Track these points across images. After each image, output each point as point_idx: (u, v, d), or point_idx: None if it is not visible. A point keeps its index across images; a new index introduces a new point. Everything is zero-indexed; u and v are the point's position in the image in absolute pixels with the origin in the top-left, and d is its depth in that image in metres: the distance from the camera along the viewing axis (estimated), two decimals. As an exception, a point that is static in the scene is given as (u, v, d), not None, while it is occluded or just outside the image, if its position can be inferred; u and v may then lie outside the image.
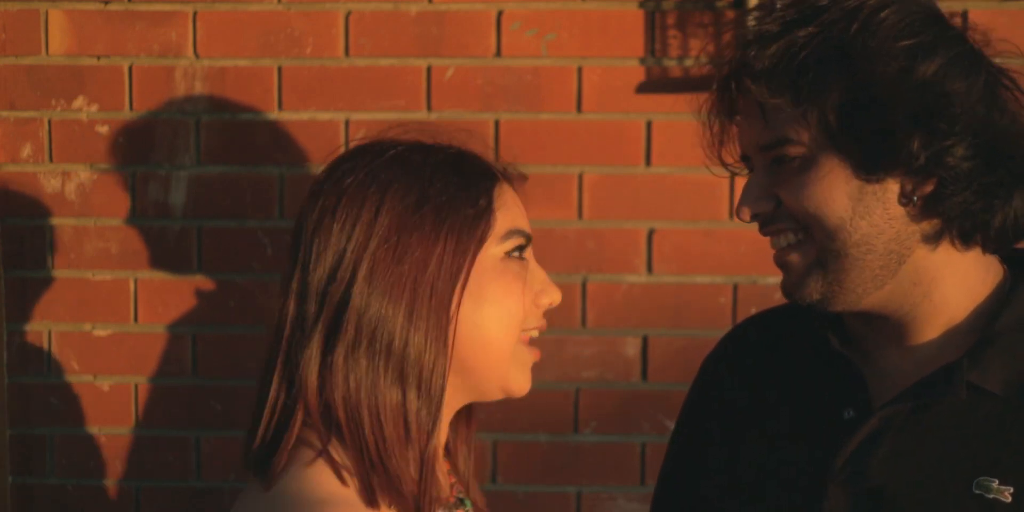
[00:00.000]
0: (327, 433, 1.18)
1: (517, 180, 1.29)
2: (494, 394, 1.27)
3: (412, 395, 1.18)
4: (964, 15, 2.23)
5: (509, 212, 1.24)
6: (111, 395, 2.39)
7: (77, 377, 2.39)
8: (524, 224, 1.26)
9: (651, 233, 2.31)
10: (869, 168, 1.23)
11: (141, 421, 2.39)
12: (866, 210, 1.24)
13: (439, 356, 1.19)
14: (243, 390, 2.37)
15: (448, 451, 1.37)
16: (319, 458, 1.17)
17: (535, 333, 1.29)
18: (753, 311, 2.28)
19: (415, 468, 1.18)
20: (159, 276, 2.37)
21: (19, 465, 2.42)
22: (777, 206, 1.29)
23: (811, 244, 1.27)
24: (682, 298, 2.31)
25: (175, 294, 2.37)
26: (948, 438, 1.25)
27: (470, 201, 1.21)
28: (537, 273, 1.28)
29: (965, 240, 1.27)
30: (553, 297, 1.28)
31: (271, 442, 1.19)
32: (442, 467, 1.32)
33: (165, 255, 2.36)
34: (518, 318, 1.24)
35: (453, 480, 1.35)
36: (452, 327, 1.19)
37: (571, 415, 2.32)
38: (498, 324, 1.22)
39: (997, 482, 1.21)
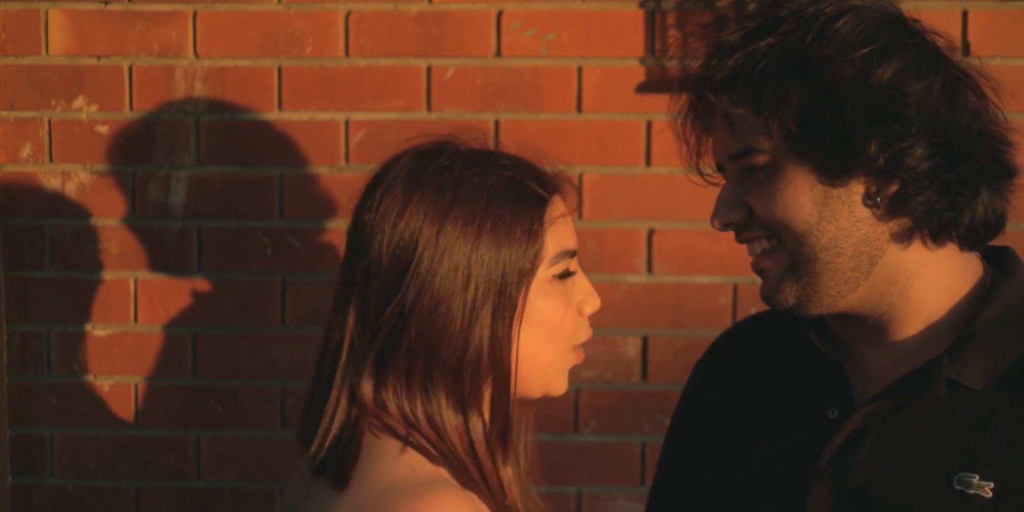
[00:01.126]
0: (406, 428, 1.22)
1: (567, 188, 1.33)
2: (534, 396, 1.32)
3: (476, 422, 1.24)
4: (963, 15, 2.23)
5: (558, 231, 1.28)
6: (111, 395, 2.39)
7: (77, 377, 2.39)
8: (572, 241, 1.30)
9: (651, 233, 2.31)
10: (831, 172, 1.25)
11: (141, 421, 2.39)
12: (832, 214, 1.26)
13: (507, 379, 1.24)
14: (243, 390, 2.37)
15: None
16: (407, 447, 1.21)
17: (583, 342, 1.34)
18: (753, 311, 2.29)
19: (493, 480, 1.24)
20: (159, 276, 2.37)
21: (19, 465, 2.42)
22: (749, 214, 1.32)
23: (783, 250, 1.30)
24: (682, 298, 2.31)
25: (175, 294, 2.37)
26: (929, 434, 1.26)
27: (524, 228, 1.24)
28: (580, 283, 1.32)
29: (936, 238, 1.28)
30: (594, 305, 1.32)
31: (333, 447, 1.23)
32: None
33: (165, 255, 2.36)
34: (564, 335, 1.29)
35: None
36: (514, 353, 1.24)
37: (571, 415, 2.32)
38: (545, 343, 1.27)
39: (977, 477, 1.22)
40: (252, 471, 2.38)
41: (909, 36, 1.28)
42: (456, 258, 1.21)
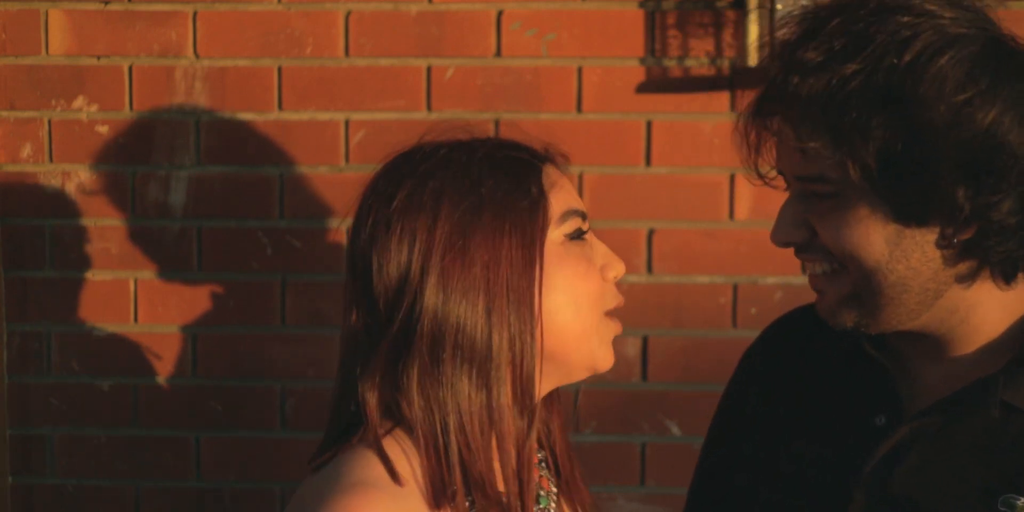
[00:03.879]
0: (384, 429, 1.19)
1: (560, 159, 1.30)
2: (580, 374, 1.27)
3: (503, 398, 1.18)
4: None
5: (560, 193, 1.24)
6: (111, 395, 2.39)
7: (77, 377, 2.39)
8: (577, 202, 1.27)
9: (651, 233, 2.31)
10: (909, 215, 1.19)
11: (141, 421, 2.39)
12: (903, 254, 1.21)
13: (527, 352, 1.19)
14: (243, 390, 2.37)
15: (539, 443, 1.36)
16: (369, 449, 1.17)
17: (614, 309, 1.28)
18: (753, 311, 2.29)
19: (511, 467, 1.19)
20: (159, 276, 2.37)
21: (19, 465, 2.42)
22: (812, 235, 1.26)
23: (846, 277, 1.25)
24: (682, 298, 2.31)
25: (175, 294, 2.37)
26: (977, 453, 1.24)
27: (523, 192, 1.20)
28: (598, 247, 1.27)
29: (1008, 280, 1.24)
30: (617, 269, 1.27)
31: (328, 439, 1.22)
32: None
33: (165, 255, 2.36)
34: (593, 298, 1.24)
35: (540, 473, 1.35)
36: (539, 321, 1.19)
37: (571, 415, 2.32)
38: (574, 309, 1.22)
39: (1023, 499, 1.20)
40: (252, 471, 2.38)
41: (1011, 71, 1.19)
42: (460, 235, 1.17)
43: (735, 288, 2.30)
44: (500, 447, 1.19)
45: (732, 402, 1.53)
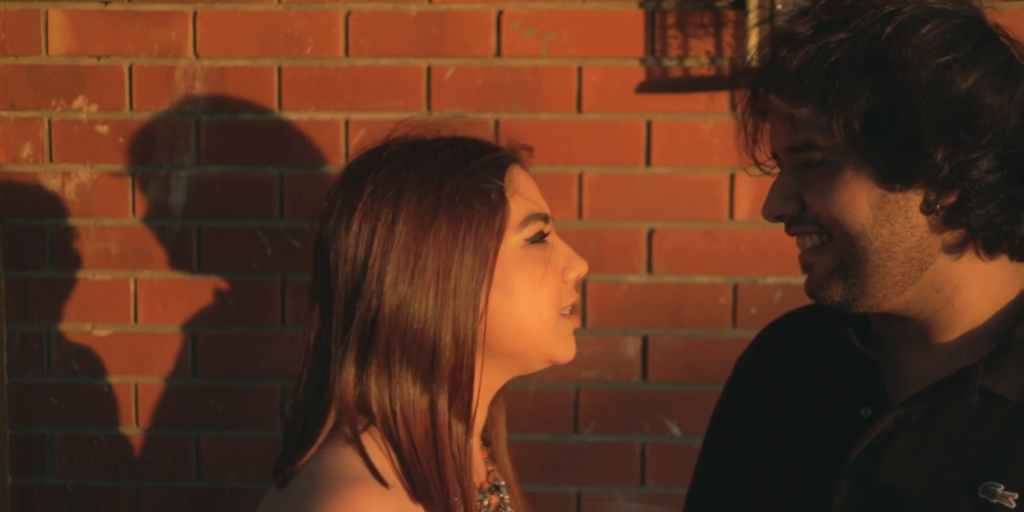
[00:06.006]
0: (362, 425, 1.20)
1: (524, 154, 1.32)
2: (539, 366, 1.30)
3: (442, 399, 1.21)
4: None
5: (522, 197, 1.26)
6: (111, 395, 2.39)
7: (77, 377, 2.39)
8: (539, 205, 1.28)
9: (651, 233, 2.31)
10: (892, 177, 1.23)
11: (141, 421, 2.39)
12: (887, 218, 1.24)
13: (467, 355, 1.21)
14: (243, 390, 2.37)
15: (484, 438, 1.39)
16: (348, 445, 1.19)
17: (568, 309, 1.32)
18: (753, 311, 2.29)
19: (450, 468, 1.21)
20: (159, 276, 2.37)
21: (19, 465, 2.42)
22: (802, 208, 1.29)
23: (832, 248, 1.28)
24: (682, 298, 2.31)
25: (175, 294, 2.37)
26: (959, 441, 1.26)
27: (482, 197, 1.22)
28: (560, 249, 1.30)
29: (990, 250, 1.26)
30: (579, 270, 1.30)
31: (298, 442, 1.23)
32: (480, 454, 1.34)
33: (165, 255, 2.37)
34: (551, 301, 1.26)
35: (491, 467, 1.37)
36: (483, 324, 1.22)
37: (571, 415, 2.32)
38: (532, 311, 1.25)
39: (1002, 487, 1.22)
40: (252, 471, 2.38)
41: (991, 44, 1.25)
42: (415, 237, 1.20)
43: (735, 288, 2.30)
44: (441, 450, 1.21)
45: (730, 404, 1.55)
